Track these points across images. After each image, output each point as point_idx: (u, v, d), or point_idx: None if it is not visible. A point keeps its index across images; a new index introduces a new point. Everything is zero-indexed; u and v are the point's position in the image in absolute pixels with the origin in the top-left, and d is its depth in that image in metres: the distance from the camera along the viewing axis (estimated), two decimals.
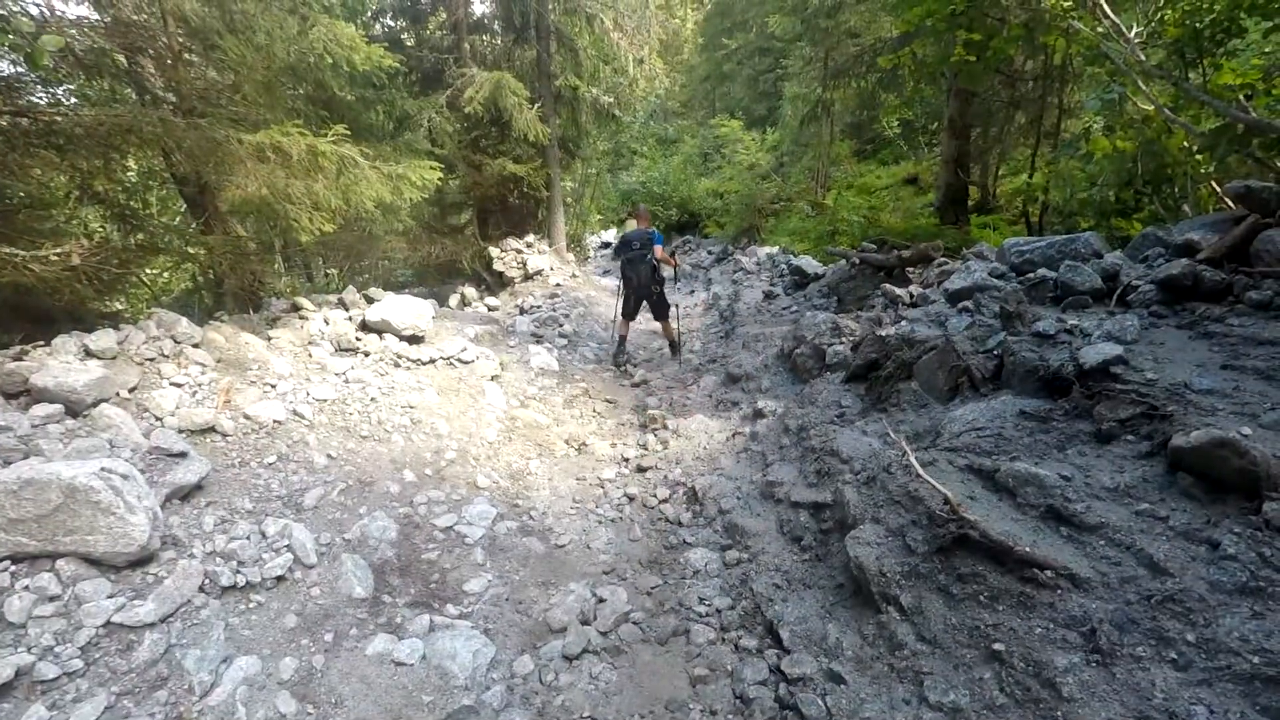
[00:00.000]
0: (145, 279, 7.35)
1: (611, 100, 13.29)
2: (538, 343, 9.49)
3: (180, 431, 4.59)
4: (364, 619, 3.86)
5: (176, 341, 5.36)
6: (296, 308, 7.42)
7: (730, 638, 3.91)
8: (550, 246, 13.76)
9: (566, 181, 18.26)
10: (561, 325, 10.66)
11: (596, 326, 11.32)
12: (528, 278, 12.96)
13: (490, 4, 13.13)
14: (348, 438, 5.47)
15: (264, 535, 4.07)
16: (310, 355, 6.41)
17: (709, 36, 28.88)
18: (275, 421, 5.18)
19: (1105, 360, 3.54)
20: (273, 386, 5.59)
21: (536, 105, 12.03)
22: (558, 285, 12.65)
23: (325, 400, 5.71)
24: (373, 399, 5.95)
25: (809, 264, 10.86)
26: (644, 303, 8.71)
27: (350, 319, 7.32)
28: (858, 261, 8.14)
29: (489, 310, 12.54)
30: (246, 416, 5.07)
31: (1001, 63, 7.93)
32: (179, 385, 5.00)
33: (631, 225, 9.33)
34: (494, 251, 13.20)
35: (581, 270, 15.09)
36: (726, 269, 16.14)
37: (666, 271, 9.17)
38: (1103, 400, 3.49)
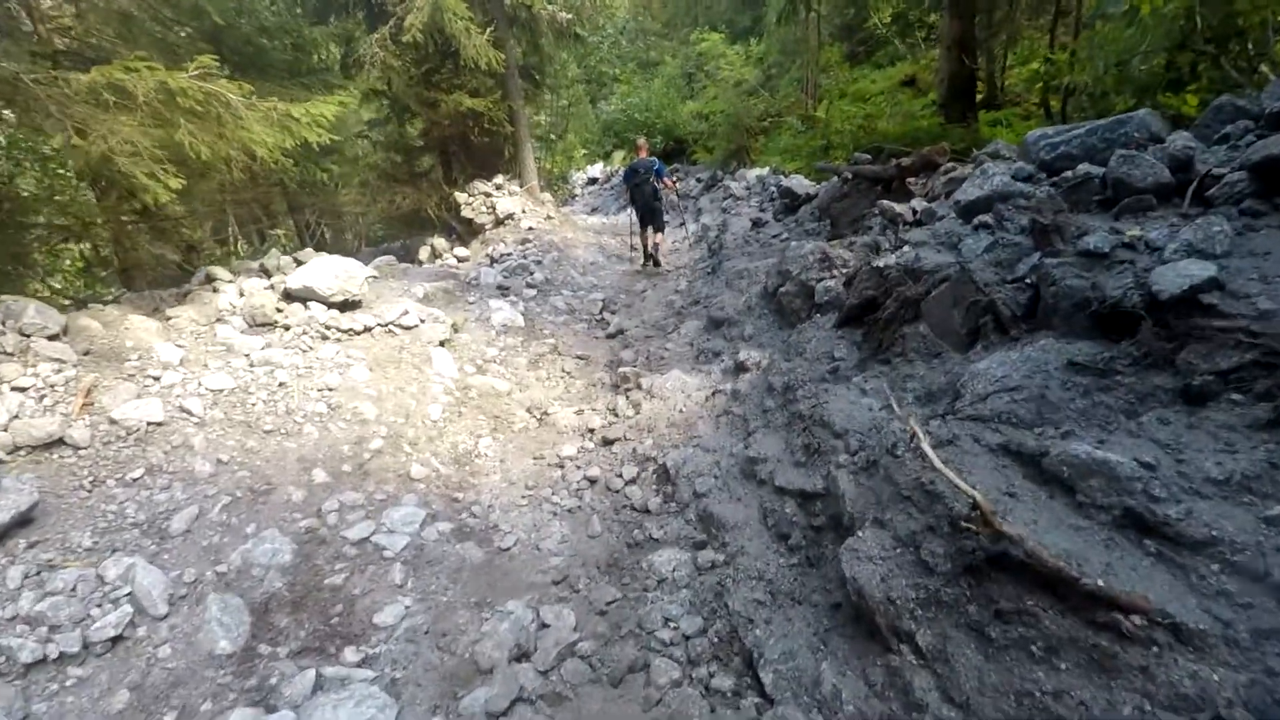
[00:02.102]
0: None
1: (571, 17, 11.83)
2: (502, 296, 8.44)
3: (9, 452, 3.65)
4: (226, 684, 2.97)
5: (23, 335, 4.37)
6: (211, 279, 6.41)
7: (700, 675, 3.01)
8: (521, 187, 12.53)
9: (539, 115, 16.87)
10: (532, 274, 9.58)
11: (573, 272, 10.22)
12: (498, 223, 11.80)
13: None
14: (247, 435, 4.52)
15: (102, 582, 3.16)
16: (215, 335, 5.42)
17: None
18: (151, 424, 4.23)
19: (1192, 285, 2.48)
20: (155, 379, 4.62)
21: (489, 30, 10.66)
22: (530, 229, 11.49)
23: (222, 391, 4.74)
24: (282, 384, 4.98)
25: (800, 184, 9.65)
26: (642, 217, 10.11)
27: (272, 288, 6.30)
28: (850, 176, 6.96)
29: (458, 261, 11.46)
30: (112, 421, 4.12)
31: None
32: (22, 390, 4.04)
33: (635, 155, 10.71)
34: (461, 197, 12.01)
35: (559, 211, 13.86)
36: (716, 196, 14.85)
37: (672, 198, 11.06)
38: (1191, 343, 2.45)
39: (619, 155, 21.63)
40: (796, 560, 3.26)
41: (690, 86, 21.05)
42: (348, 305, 6.34)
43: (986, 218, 3.76)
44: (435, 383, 5.89)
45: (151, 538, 3.54)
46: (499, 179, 12.29)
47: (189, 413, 4.45)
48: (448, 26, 9.72)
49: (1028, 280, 3.15)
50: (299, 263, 6.83)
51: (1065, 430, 2.51)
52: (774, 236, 8.85)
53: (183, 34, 6.24)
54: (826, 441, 3.45)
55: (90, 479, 3.74)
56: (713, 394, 5.32)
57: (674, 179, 11.38)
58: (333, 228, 20.97)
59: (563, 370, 6.90)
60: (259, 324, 5.77)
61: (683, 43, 25.10)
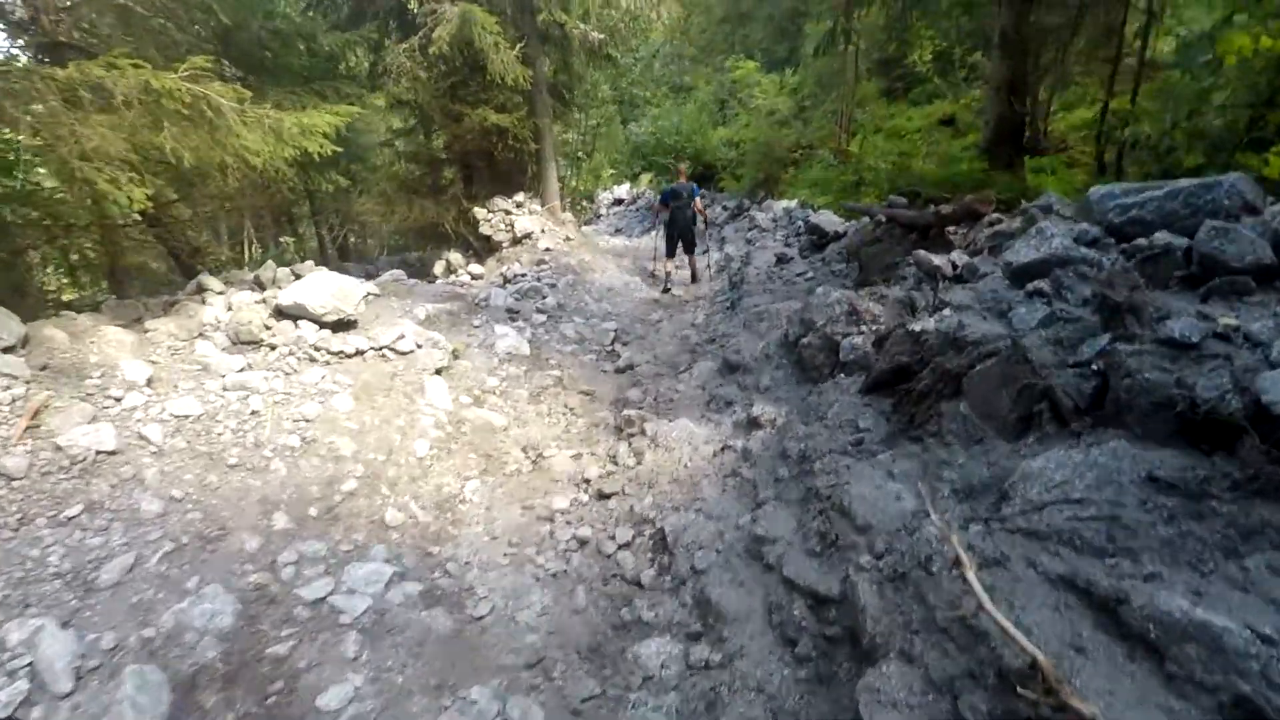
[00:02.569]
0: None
1: (604, 38, 11.52)
2: (510, 321, 8.04)
3: None
4: None
5: None
6: (202, 289, 6.06)
7: None
8: (543, 206, 12.19)
9: (568, 133, 16.61)
10: (544, 297, 9.19)
11: (588, 297, 9.82)
12: (516, 242, 11.45)
13: None
14: (209, 469, 4.11)
15: (0, 648, 2.74)
16: (193, 352, 5.05)
17: None
18: (101, 452, 3.84)
19: None
20: (115, 400, 4.24)
21: (519, 45, 10.37)
22: (547, 250, 11.12)
23: (187, 417, 4.35)
24: (254, 412, 4.58)
25: (828, 221, 9.19)
26: (680, 241, 10.53)
27: (264, 302, 5.94)
28: (883, 220, 6.49)
29: (471, 279, 11.11)
30: (56, 448, 3.74)
31: None
32: None
33: (675, 179, 11.07)
34: (480, 213, 11.69)
35: (580, 232, 13.51)
36: (741, 226, 14.44)
37: (699, 225, 11.01)
38: None
39: (646, 177, 21.34)
40: (804, 674, 2.77)
41: (722, 113, 20.73)
42: (341, 325, 5.96)
43: (1042, 284, 3.29)
44: (426, 415, 5.47)
45: (75, 591, 3.12)
46: (520, 196, 11.96)
47: (147, 440, 4.06)
48: (476, 40, 9.44)
49: (1094, 366, 2.67)
50: (297, 276, 6.48)
51: (1148, 571, 2.01)
52: (798, 275, 8.39)
53: (187, 34, 5.93)
54: (846, 535, 2.97)
55: (19, 516, 3.34)
56: (721, 449, 4.84)
57: (704, 205, 11.57)
58: (358, 234, 20.88)
59: (565, 406, 6.46)
60: (243, 342, 5.40)
61: (717, 69, 24.87)
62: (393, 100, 12.75)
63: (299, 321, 5.75)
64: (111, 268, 5.61)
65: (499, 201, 11.79)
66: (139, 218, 5.60)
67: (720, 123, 20.14)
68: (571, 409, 6.43)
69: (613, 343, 8.20)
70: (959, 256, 4.69)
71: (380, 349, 5.87)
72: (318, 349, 5.58)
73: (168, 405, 4.35)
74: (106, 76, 3.84)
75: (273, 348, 5.44)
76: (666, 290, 10.53)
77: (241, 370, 4.99)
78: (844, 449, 3.62)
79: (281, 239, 11.01)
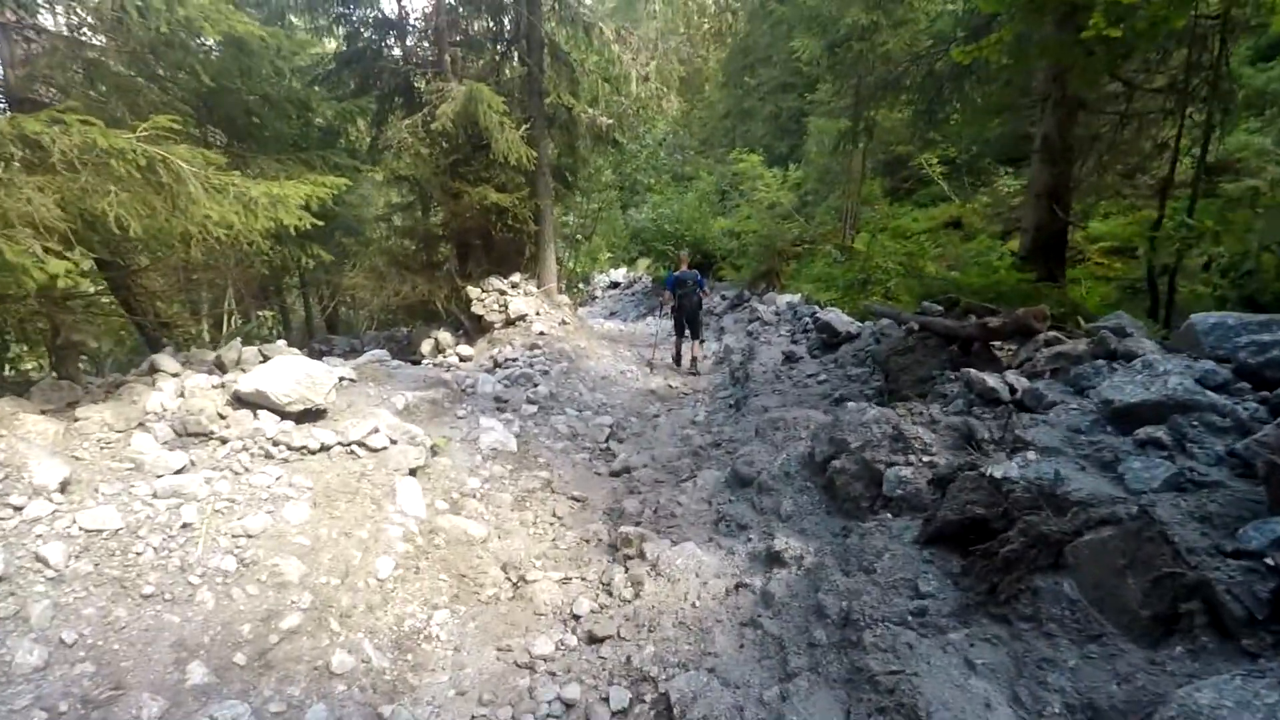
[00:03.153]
0: None
1: (611, 122, 11.31)
2: (498, 411, 7.36)
3: None
4: None
5: None
6: (154, 369, 5.38)
7: None
8: (539, 288, 11.71)
9: (568, 215, 16.36)
10: (535, 385, 8.54)
11: (581, 387, 9.18)
12: (509, 323, 10.90)
13: (477, 13, 11.27)
14: (117, 600, 3.33)
15: None
16: (128, 447, 4.33)
17: (730, 74, 27.16)
18: None
19: None
20: (16, 510, 3.50)
21: (524, 126, 10.10)
22: (541, 333, 10.56)
23: (101, 532, 3.59)
24: (186, 525, 3.82)
25: (839, 320, 8.70)
26: (687, 326, 10.88)
27: (223, 386, 5.25)
28: (916, 328, 5.96)
29: (460, 360, 10.50)
30: None
31: (1136, 50, 5.85)
32: None
33: (677, 268, 11.38)
34: (474, 292, 11.18)
35: (576, 316, 13.01)
36: (741, 317, 14.03)
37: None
38: None
39: (644, 262, 21.13)
40: None
41: (723, 203, 20.72)
42: (308, 416, 5.26)
43: (1158, 434, 2.69)
44: (394, 525, 4.71)
45: None
46: (516, 277, 11.50)
47: (44, 563, 3.29)
48: (481, 119, 9.12)
49: (1270, 561, 2.02)
50: (265, 358, 5.82)
51: None
52: (809, 377, 7.81)
53: (169, 95, 5.44)
54: None
55: None
56: (735, 587, 4.10)
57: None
58: (349, 306, 20.32)
59: (553, 514, 5.72)
60: (191, 433, 4.68)
61: (719, 161, 25.13)
62: (391, 175, 12.45)
63: (259, 411, 5.06)
64: (52, 344, 4.92)
65: (494, 281, 11.31)
66: (90, 289, 4.94)
67: (720, 213, 20.08)
68: (560, 518, 5.69)
69: (607, 439, 7.52)
70: (1016, 379, 4.11)
71: (349, 445, 5.15)
72: (277, 444, 4.86)
73: (79, 516, 3.59)
74: (44, 132, 3.27)
75: (224, 442, 4.72)
76: (678, 363, 11.25)
77: (181, 470, 4.25)
78: (902, 618, 2.91)
79: (260, 312, 10.36)
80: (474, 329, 11.36)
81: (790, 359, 8.49)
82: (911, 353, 5.75)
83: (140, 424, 4.58)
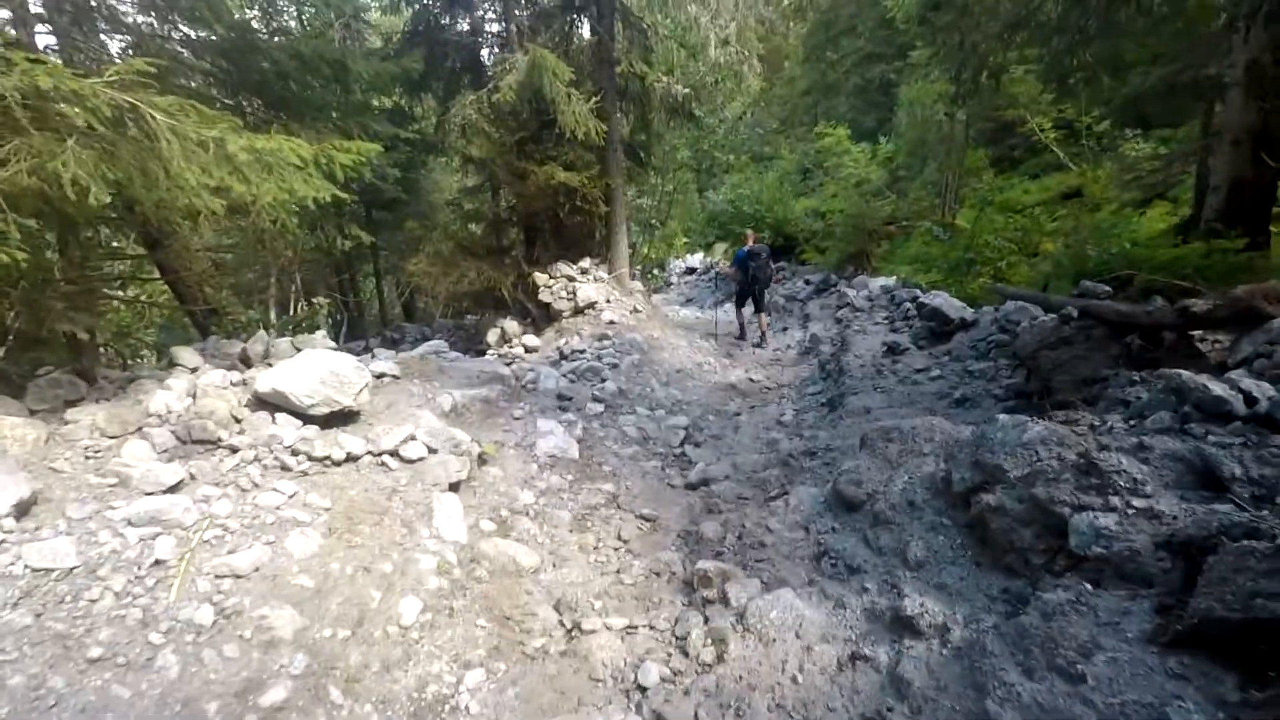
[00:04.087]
0: None
1: (688, 92, 10.21)
2: (559, 412, 6.47)
3: None
4: None
5: None
6: (173, 364, 4.71)
7: None
8: (610, 273, 10.78)
9: (641, 198, 15.37)
10: (603, 380, 7.62)
11: (654, 382, 8.20)
12: (577, 312, 10.03)
13: None
14: (57, 665, 2.58)
15: None
16: (116, 458, 3.62)
17: (811, 48, 25.49)
18: None
19: None
20: None
21: (594, 99, 9.15)
22: (611, 322, 9.63)
23: (50, 571, 2.85)
24: (158, 562, 3.04)
25: (950, 305, 7.40)
26: (757, 299, 11.01)
27: (244, 384, 4.53)
28: (1075, 315, 4.66)
29: (525, 351, 9.69)
30: None
31: None
32: None
33: (744, 244, 11.35)
34: (541, 278, 10.36)
35: (650, 303, 12.02)
36: (828, 303, 12.72)
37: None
38: None
39: (720, 247, 19.92)
40: None
41: (805, 183, 19.28)
42: (335, 420, 4.48)
43: None
44: (427, 553, 3.87)
45: None
46: (586, 262, 10.60)
47: None
48: (546, 88, 8.21)
49: None
50: (298, 350, 5.09)
51: None
52: (918, 372, 6.58)
53: (200, 59, 4.72)
54: None
55: None
56: (852, 659, 3.06)
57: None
58: (426, 294, 20.02)
59: (619, 538, 4.78)
60: (196, 440, 3.95)
61: (800, 139, 23.61)
62: (461, 157, 11.76)
63: (278, 415, 4.30)
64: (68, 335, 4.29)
65: (562, 267, 10.45)
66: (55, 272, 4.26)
67: (802, 193, 18.67)
68: (626, 542, 4.74)
69: (682, 443, 6.53)
70: (1252, 383, 2.88)
71: (380, 454, 4.34)
72: (296, 453, 4.09)
73: (27, 551, 2.86)
74: None
75: (233, 451, 3.97)
76: (742, 336, 11.33)
77: (174, 487, 3.50)
78: None
79: (316, 299, 9.81)
80: (541, 317, 10.55)
81: (893, 351, 7.25)
82: (1069, 346, 4.48)
83: (138, 429, 3.88)
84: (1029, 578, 2.77)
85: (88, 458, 3.60)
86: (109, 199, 2.88)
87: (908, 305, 8.74)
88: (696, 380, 9.09)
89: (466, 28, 10.94)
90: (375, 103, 11.39)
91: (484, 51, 11.54)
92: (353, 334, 14.54)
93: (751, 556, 4.29)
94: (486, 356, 9.87)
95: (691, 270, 23.76)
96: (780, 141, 23.12)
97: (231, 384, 4.49)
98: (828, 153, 16.12)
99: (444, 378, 6.07)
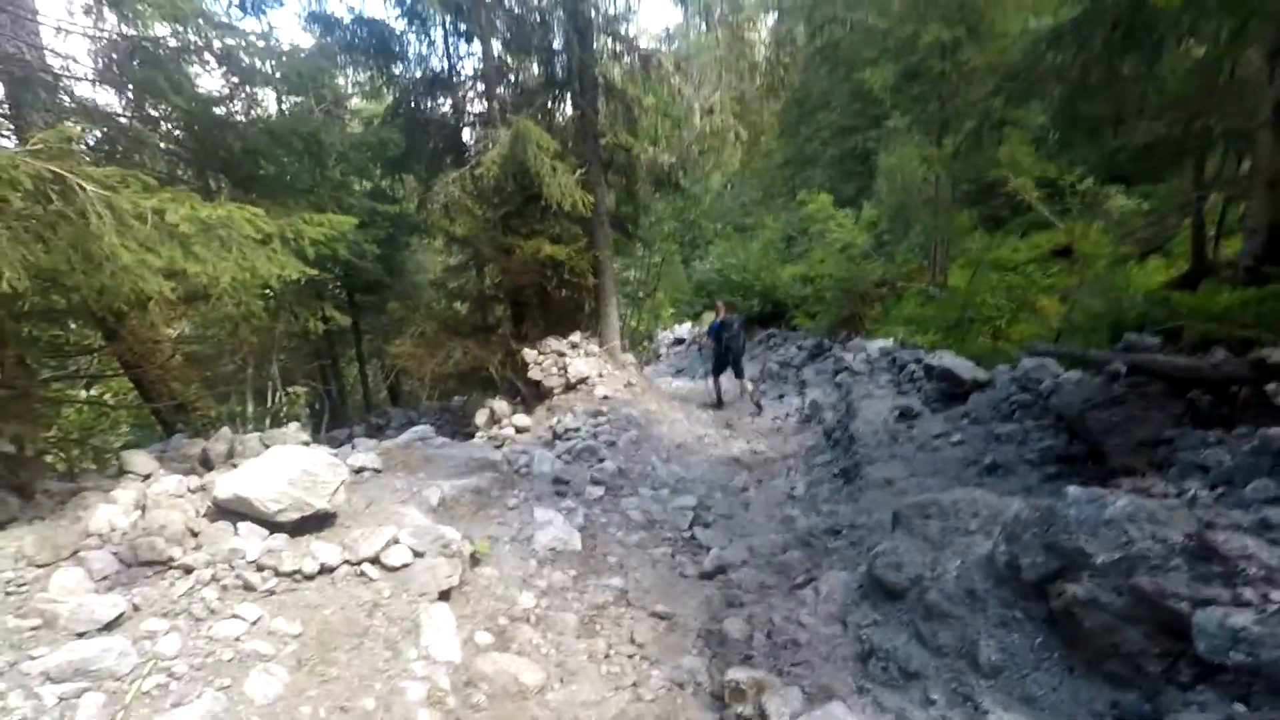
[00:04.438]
0: None
1: (674, 160, 10.11)
2: (557, 497, 5.96)
3: None
4: None
5: None
6: (123, 470, 4.20)
7: None
8: (601, 347, 10.42)
9: (630, 270, 15.21)
10: (601, 460, 7.13)
11: (654, 459, 7.71)
12: (569, 388, 9.60)
13: (526, 56, 10.37)
14: None
15: None
16: (44, 593, 3.07)
17: (786, 124, 26.01)
18: None
19: None
20: None
21: (579, 171, 8.98)
22: (605, 398, 9.21)
23: None
24: None
25: (961, 365, 7.05)
26: (733, 367, 10.96)
27: (202, 490, 4.01)
28: (1123, 370, 4.28)
29: (516, 432, 9.19)
30: None
31: None
32: None
33: (716, 316, 11.53)
34: (530, 355, 9.96)
35: (642, 376, 11.63)
36: (824, 368, 12.39)
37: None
38: None
39: (708, 316, 19.73)
40: None
41: (789, 250, 19.29)
42: (308, 525, 3.96)
43: None
44: (415, 680, 3.30)
45: None
46: (575, 336, 10.24)
47: None
48: (530, 161, 8.01)
49: None
50: (266, 447, 4.59)
51: None
52: (937, 437, 6.15)
53: (161, 138, 4.40)
54: None
55: None
56: None
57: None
58: (412, 376, 19.52)
59: (632, 641, 4.21)
60: (144, 562, 3.42)
61: (781, 209, 23.82)
62: (445, 236, 11.54)
63: (241, 524, 3.78)
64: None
65: (551, 342, 10.07)
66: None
67: (787, 260, 18.64)
68: (642, 647, 4.17)
69: (691, 525, 6.00)
70: None
71: (359, 563, 3.81)
72: (261, 568, 3.56)
73: None
74: None
75: (188, 571, 3.43)
76: (721, 404, 11.35)
77: (112, 624, 2.96)
78: None
79: (290, 389, 9.31)
80: (531, 395, 10.10)
81: (905, 415, 6.84)
82: (1120, 405, 4.08)
83: (74, 553, 3.34)
84: (1144, 690, 2.28)
85: (8, 594, 3.05)
86: (25, 285, 2.45)
87: (913, 367, 8.40)
88: (698, 454, 8.61)
89: (448, 108, 10.89)
90: (356, 186, 11.29)
91: (466, 131, 11.47)
92: (335, 422, 13.98)
93: (786, 659, 3.75)
94: (475, 439, 9.37)
95: (680, 341, 23.51)
96: (761, 212, 23.30)
97: (189, 490, 3.97)
98: (812, 219, 16.12)
99: (431, 467, 5.56)
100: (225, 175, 4.99)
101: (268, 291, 3.80)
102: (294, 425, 5.36)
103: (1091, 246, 11.34)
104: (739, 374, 11.07)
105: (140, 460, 4.19)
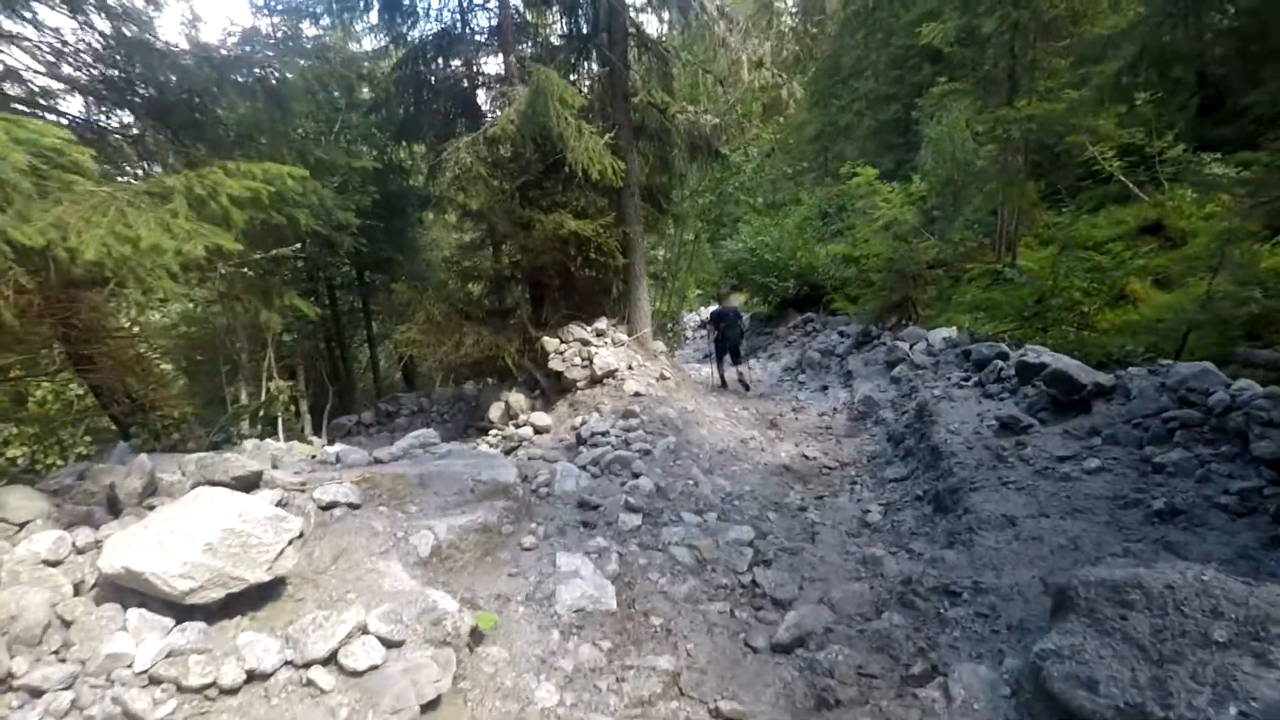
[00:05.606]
0: None
1: (716, 122, 8.72)
2: (584, 530, 4.72)
3: None
4: None
5: None
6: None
7: None
8: (630, 335, 9.14)
9: (658, 250, 13.85)
10: (635, 476, 5.88)
11: (697, 472, 6.45)
12: (595, 381, 8.34)
13: (547, 6, 8.99)
14: None
15: None
16: None
17: (817, 94, 24.32)
18: None
19: None
20: None
21: (608, 135, 7.65)
22: (636, 394, 7.94)
23: None
24: None
25: (1074, 366, 5.66)
26: (731, 353, 11.26)
27: (98, 546, 2.81)
28: None
29: (535, 432, 7.99)
30: None
31: None
32: None
33: (731, 302, 11.95)
34: (550, 343, 8.70)
35: (676, 368, 10.35)
36: (873, 358, 11.01)
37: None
38: None
39: (739, 297, 18.34)
40: None
41: (825, 228, 17.80)
42: (240, 604, 2.75)
43: None
44: None
45: None
46: (602, 323, 8.96)
47: None
48: (552, 120, 6.68)
49: None
50: (205, 474, 3.40)
51: None
52: (1063, 460, 4.82)
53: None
54: None
55: None
56: None
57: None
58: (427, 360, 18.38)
59: None
60: None
61: (815, 185, 22.30)
62: (460, 209, 10.26)
63: (134, 610, 2.57)
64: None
65: (575, 329, 8.80)
66: None
67: (822, 239, 17.15)
68: None
69: (750, 566, 4.72)
70: None
71: (306, 666, 2.59)
72: (156, 681, 2.36)
73: None
74: None
75: (34, 695, 2.23)
76: (724, 385, 11.45)
77: None
78: None
79: (272, 382, 8.10)
80: (552, 388, 8.86)
81: (1010, 427, 5.50)
82: None
83: None
84: None
85: None
86: None
87: (998, 364, 7.01)
88: (743, 462, 7.34)
89: (460, 67, 9.55)
90: (361, 160, 10.09)
91: (480, 95, 10.16)
92: (343, 407, 12.89)
93: None
94: (488, 439, 8.17)
95: (705, 324, 22.23)
96: (793, 189, 21.74)
97: (74, 551, 2.78)
98: (854, 194, 14.64)
99: (426, 496, 4.32)
100: (156, 119, 3.75)
101: (182, 271, 2.55)
102: (250, 444, 4.15)
103: (1184, 221, 9.86)
104: (736, 359, 11.32)
105: (18, 501, 2.99)
